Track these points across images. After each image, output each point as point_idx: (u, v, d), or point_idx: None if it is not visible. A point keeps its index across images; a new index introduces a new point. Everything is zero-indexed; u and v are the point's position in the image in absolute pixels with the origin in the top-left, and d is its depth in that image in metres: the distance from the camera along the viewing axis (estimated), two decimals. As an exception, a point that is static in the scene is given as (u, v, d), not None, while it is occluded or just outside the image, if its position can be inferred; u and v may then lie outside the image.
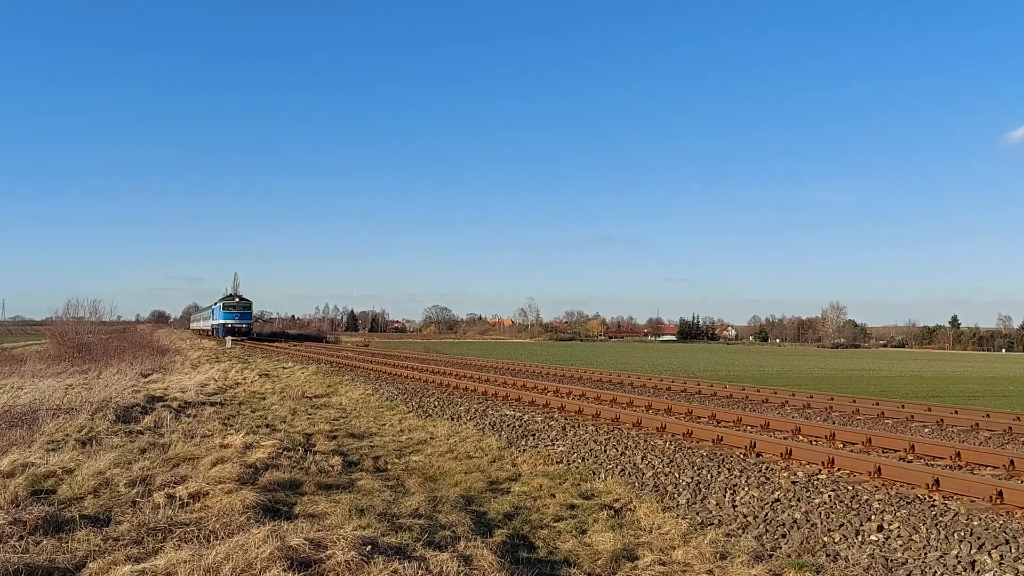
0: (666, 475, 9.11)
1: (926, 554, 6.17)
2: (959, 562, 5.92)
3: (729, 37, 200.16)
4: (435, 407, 15.45)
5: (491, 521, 7.44)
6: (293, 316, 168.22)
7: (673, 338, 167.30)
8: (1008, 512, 6.84)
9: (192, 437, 11.51)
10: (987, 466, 9.23)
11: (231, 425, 13.32)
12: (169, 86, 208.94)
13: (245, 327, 71.50)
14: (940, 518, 6.68)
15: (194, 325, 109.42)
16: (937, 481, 7.58)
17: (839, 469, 8.61)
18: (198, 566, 5.32)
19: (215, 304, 78.26)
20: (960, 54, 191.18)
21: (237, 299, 74.19)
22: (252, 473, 8.81)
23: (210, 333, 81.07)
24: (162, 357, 35.98)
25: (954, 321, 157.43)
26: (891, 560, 6.20)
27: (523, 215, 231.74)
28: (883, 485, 7.85)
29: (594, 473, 9.61)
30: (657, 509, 7.89)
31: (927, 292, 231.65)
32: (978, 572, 5.78)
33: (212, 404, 16.92)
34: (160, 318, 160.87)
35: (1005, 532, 6.24)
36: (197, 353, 40.53)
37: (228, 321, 69.82)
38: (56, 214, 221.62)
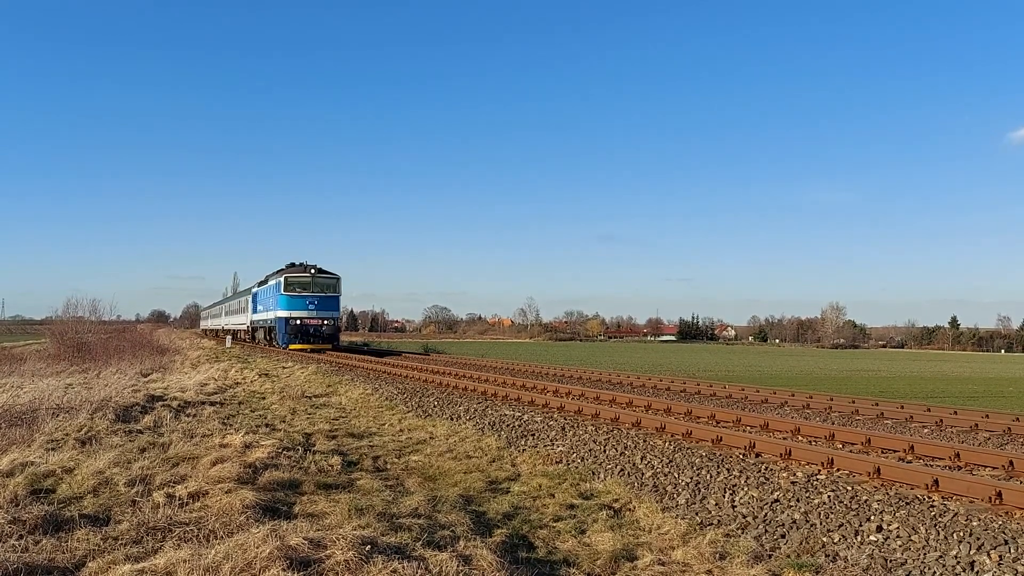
0: (665, 475, 9.11)
1: (925, 554, 6.17)
2: (958, 562, 5.93)
3: (729, 37, 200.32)
4: (434, 407, 15.45)
5: (490, 521, 7.45)
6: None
7: (673, 338, 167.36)
8: (1007, 513, 6.84)
9: (192, 436, 11.50)
10: (986, 467, 9.23)
11: (231, 424, 13.32)
12: (169, 86, 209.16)
13: (328, 327, 38.69)
14: (939, 518, 6.68)
15: (209, 324, 78.15)
16: (936, 482, 7.58)
17: (838, 469, 8.61)
18: (198, 565, 5.32)
19: (263, 285, 44.10)
20: (962, 54, 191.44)
21: (312, 271, 38.67)
22: (251, 473, 8.81)
23: (247, 336, 49.65)
24: (162, 357, 35.97)
25: (953, 322, 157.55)
26: (890, 560, 6.21)
27: (523, 215, 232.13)
28: (882, 485, 7.86)
29: (593, 473, 9.61)
30: (656, 509, 7.89)
31: (927, 292, 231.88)
32: (977, 573, 5.78)
33: (212, 404, 16.91)
34: (160, 318, 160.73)
35: (1004, 533, 6.25)
36: (197, 353, 40.51)
37: (297, 314, 37.90)
38: (56, 214, 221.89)
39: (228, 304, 65.06)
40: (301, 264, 39.48)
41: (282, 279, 38.50)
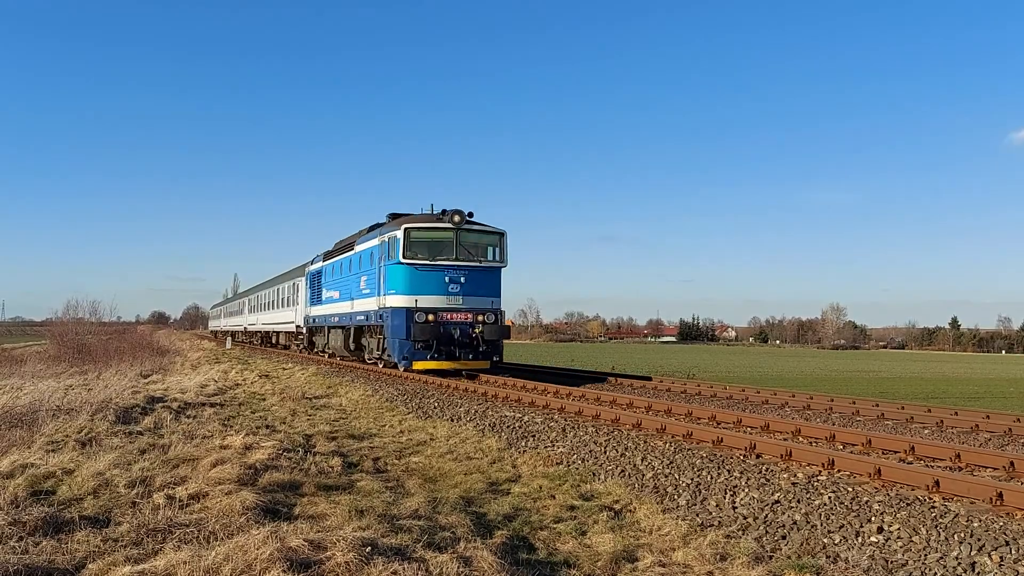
0: (666, 476, 9.10)
1: (926, 556, 6.16)
2: (959, 563, 5.92)
3: (729, 37, 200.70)
4: (435, 408, 15.44)
5: (491, 522, 7.44)
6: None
7: (673, 339, 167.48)
8: (1008, 513, 6.83)
9: (192, 438, 11.50)
10: (987, 467, 9.23)
11: (231, 426, 13.31)
12: (168, 87, 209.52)
13: (487, 328, 20.39)
14: (940, 519, 6.68)
15: (223, 324, 61.15)
16: (937, 482, 7.58)
17: (839, 470, 8.60)
18: (198, 567, 5.32)
19: (338, 255, 27.04)
20: (963, 54, 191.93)
21: (457, 220, 20.44)
22: (252, 474, 8.80)
23: (298, 342, 34.62)
24: (162, 358, 35.96)
25: (954, 322, 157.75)
26: (891, 562, 6.20)
27: (523, 215, 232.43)
28: (883, 486, 7.85)
29: (594, 474, 9.60)
30: (657, 510, 7.88)
31: (927, 293, 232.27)
32: (978, 574, 5.77)
33: (212, 405, 16.91)
34: (160, 319, 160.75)
35: (1005, 534, 6.24)
36: (197, 354, 40.50)
37: (429, 301, 20.01)
38: (56, 215, 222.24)
39: (258, 295, 44.40)
40: (440, 213, 20.98)
41: (399, 233, 20.32)
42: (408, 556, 5.75)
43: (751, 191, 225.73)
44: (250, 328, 48.53)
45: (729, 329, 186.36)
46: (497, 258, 21.43)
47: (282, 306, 37.29)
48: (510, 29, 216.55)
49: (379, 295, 21.58)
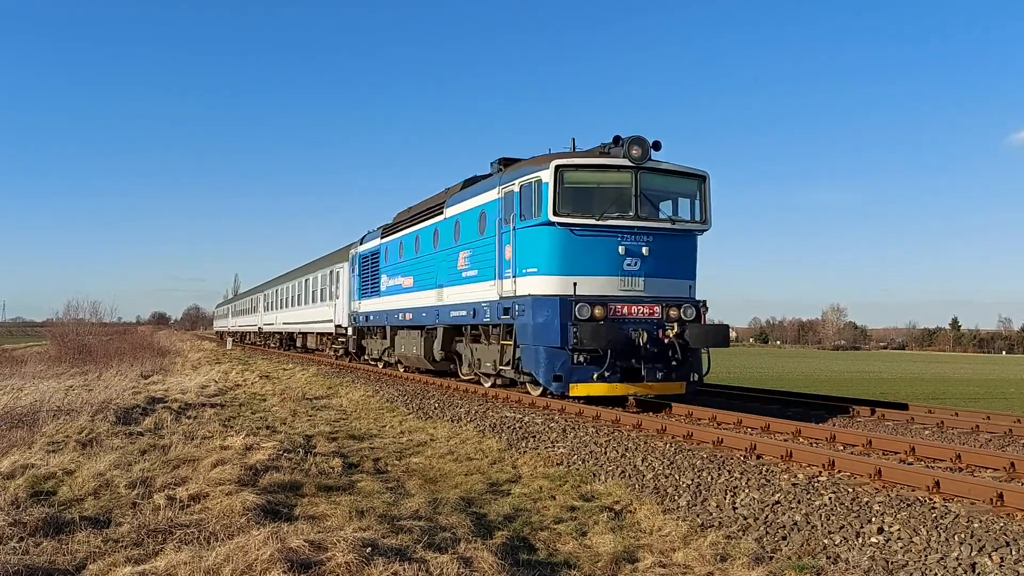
0: (666, 477, 9.10)
1: (926, 556, 6.16)
2: (959, 564, 5.92)
3: (729, 37, 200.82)
4: (435, 409, 15.44)
5: (491, 523, 7.44)
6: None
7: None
8: (1009, 514, 6.83)
9: (192, 439, 11.50)
10: (987, 468, 9.23)
11: (231, 427, 13.31)
12: (169, 88, 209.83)
13: (689, 327, 12.96)
14: (940, 520, 6.68)
15: (231, 324, 53.61)
16: (938, 483, 7.58)
17: (839, 471, 8.60)
18: (198, 568, 5.32)
19: (422, 218, 18.27)
20: (963, 54, 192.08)
21: (637, 154, 12.56)
22: (252, 475, 8.80)
23: (334, 345, 28.78)
24: (162, 358, 35.98)
25: (954, 323, 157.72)
26: (892, 562, 6.20)
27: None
28: (884, 487, 7.85)
29: (594, 475, 9.60)
30: (657, 511, 7.88)
31: (928, 294, 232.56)
32: (979, 574, 5.77)
33: (212, 405, 16.91)
34: (161, 319, 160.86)
35: (1006, 534, 6.24)
36: (197, 354, 40.50)
37: (593, 286, 12.56)
38: (57, 215, 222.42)
39: (276, 290, 37.51)
40: (608, 145, 13.33)
41: (546, 174, 12.74)
42: (409, 557, 5.76)
43: (751, 192, 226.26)
44: (266, 328, 41.22)
45: (729, 329, 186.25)
46: (697, 217, 14.07)
47: (314, 301, 29.85)
48: (510, 29, 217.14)
49: (502, 276, 14.36)
